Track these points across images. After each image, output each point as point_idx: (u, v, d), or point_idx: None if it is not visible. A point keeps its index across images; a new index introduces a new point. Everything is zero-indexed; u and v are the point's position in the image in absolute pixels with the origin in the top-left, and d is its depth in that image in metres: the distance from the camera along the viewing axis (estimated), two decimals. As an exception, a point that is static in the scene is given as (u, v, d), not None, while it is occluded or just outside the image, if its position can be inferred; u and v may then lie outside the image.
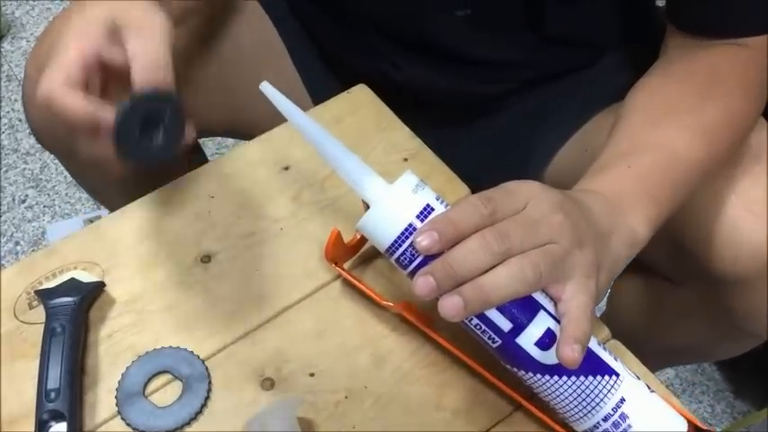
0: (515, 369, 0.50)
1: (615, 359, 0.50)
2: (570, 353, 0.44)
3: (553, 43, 0.71)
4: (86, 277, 0.59)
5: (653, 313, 0.79)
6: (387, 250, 0.49)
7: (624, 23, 0.75)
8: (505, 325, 0.48)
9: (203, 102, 0.77)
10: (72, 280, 0.59)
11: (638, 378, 0.51)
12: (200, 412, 0.55)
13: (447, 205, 0.49)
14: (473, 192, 0.66)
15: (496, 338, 0.48)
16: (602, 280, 0.49)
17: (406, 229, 0.48)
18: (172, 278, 0.61)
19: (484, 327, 0.48)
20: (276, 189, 0.66)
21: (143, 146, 0.49)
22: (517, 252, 0.45)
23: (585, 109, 0.75)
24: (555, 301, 0.48)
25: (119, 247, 0.63)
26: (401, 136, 0.71)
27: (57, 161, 1.34)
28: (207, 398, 0.55)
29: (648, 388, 0.50)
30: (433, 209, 0.48)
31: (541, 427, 0.54)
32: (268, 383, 0.56)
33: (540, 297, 0.48)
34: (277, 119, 0.53)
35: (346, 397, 0.56)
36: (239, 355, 0.58)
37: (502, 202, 0.46)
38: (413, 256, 0.48)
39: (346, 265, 0.61)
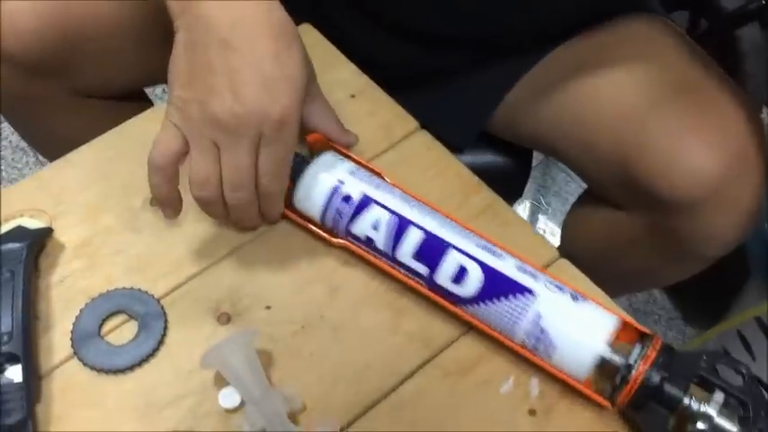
0: (449, 301, 0.54)
1: (535, 279, 0.52)
2: None
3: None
4: (34, 224, 0.59)
5: (604, 240, 0.81)
6: (320, 217, 0.57)
7: None
8: (423, 270, 0.54)
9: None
10: (19, 227, 0.58)
11: (562, 290, 0.52)
12: (157, 349, 0.55)
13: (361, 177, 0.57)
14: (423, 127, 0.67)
15: (422, 282, 0.55)
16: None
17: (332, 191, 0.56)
18: (121, 222, 0.61)
19: (410, 273, 0.55)
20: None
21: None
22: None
23: (541, 48, 0.75)
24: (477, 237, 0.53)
25: (65, 193, 0.62)
26: (348, 73, 0.70)
27: (2, 126, 1.31)
28: (163, 335, 0.55)
29: (574, 298, 0.52)
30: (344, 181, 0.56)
31: (493, 344, 0.56)
32: (224, 318, 0.57)
33: (450, 236, 0.53)
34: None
35: (303, 327, 0.57)
36: (194, 292, 0.58)
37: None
38: (340, 215, 0.56)
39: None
